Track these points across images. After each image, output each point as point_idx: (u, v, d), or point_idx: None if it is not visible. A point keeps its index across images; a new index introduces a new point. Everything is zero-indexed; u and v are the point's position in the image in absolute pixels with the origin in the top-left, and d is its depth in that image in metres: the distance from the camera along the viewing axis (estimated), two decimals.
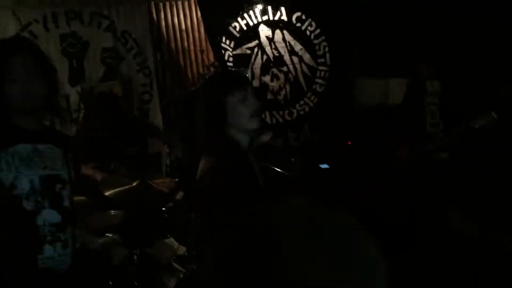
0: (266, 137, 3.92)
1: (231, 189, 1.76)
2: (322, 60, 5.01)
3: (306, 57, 5.04)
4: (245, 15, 4.90)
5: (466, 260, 2.99)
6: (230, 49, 4.98)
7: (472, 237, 3.18)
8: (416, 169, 3.59)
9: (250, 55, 5.01)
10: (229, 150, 1.91)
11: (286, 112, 5.15)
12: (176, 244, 3.00)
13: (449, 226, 3.34)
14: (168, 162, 4.28)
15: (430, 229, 3.31)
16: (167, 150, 4.36)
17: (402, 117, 3.88)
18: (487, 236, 3.15)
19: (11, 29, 3.91)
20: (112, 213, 3.24)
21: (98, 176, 3.48)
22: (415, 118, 3.71)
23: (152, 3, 4.81)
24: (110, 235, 2.83)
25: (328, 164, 4.65)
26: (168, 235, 3.12)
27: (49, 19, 4.09)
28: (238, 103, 1.89)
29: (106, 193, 2.90)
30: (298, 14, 4.90)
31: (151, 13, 4.81)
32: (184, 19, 5.09)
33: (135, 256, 2.81)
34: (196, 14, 5.14)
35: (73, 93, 4.29)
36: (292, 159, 3.99)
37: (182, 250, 2.91)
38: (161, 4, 4.88)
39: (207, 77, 4.59)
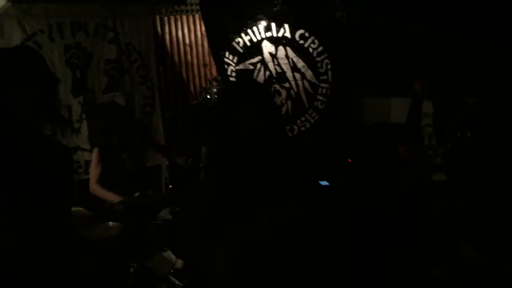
0: None
1: None
2: (324, 77, 5.02)
3: (308, 74, 5.06)
4: (249, 31, 4.93)
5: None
6: (233, 64, 5.01)
7: (476, 263, 3.14)
8: (414, 191, 3.55)
9: (252, 71, 5.03)
10: None
11: (288, 128, 5.15)
12: (173, 257, 2.98)
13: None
14: (167, 175, 4.29)
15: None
16: (167, 163, 4.36)
17: (402, 138, 3.84)
18: (491, 264, 3.11)
19: (16, 38, 3.94)
20: (111, 225, 3.23)
21: (111, 198, 3.48)
22: (413, 140, 3.65)
23: (158, 16, 4.86)
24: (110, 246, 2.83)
25: (327, 181, 4.64)
26: (166, 248, 3.10)
27: (54, 30, 4.12)
28: None
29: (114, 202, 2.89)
30: (302, 31, 4.93)
31: (155, 26, 4.86)
32: (188, 33, 5.14)
33: (132, 269, 2.80)
34: (200, 28, 5.19)
35: (75, 104, 4.30)
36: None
37: (179, 263, 2.90)
38: (166, 18, 4.93)
39: (209, 91, 4.62)
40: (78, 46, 4.28)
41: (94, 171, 3.71)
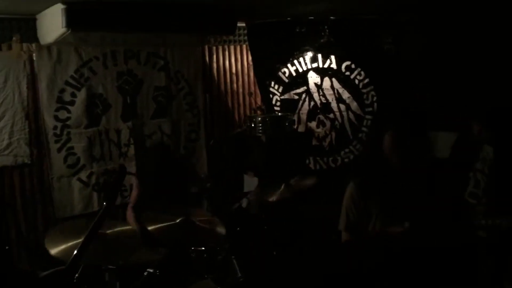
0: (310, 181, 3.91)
1: None
2: (370, 109, 4.99)
3: (354, 105, 5.04)
4: (295, 61, 4.98)
5: None
6: (278, 94, 5.05)
7: None
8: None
9: (297, 101, 5.05)
10: None
11: (331, 159, 5.11)
12: (213, 285, 2.97)
13: None
14: (209, 200, 4.31)
15: None
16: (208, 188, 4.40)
17: (444, 174, 3.63)
18: None
19: (73, 64, 4.12)
20: (154, 249, 3.26)
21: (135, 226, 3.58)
22: (455, 179, 3.44)
23: (206, 46, 4.99)
24: (150, 270, 2.85)
25: None
26: (206, 276, 3.09)
27: (108, 57, 4.29)
28: None
29: (149, 228, 2.92)
30: (348, 63, 4.94)
31: (204, 55, 4.98)
32: (235, 63, 5.23)
33: None
34: (247, 58, 5.28)
35: (124, 128, 4.42)
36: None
37: None
38: (214, 48, 5.05)
39: (253, 119, 4.65)
40: (129, 73, 4.43)
41: (134, 198, 3.87)
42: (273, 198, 3.65)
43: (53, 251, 2.55)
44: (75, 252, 1.98)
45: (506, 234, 2.86)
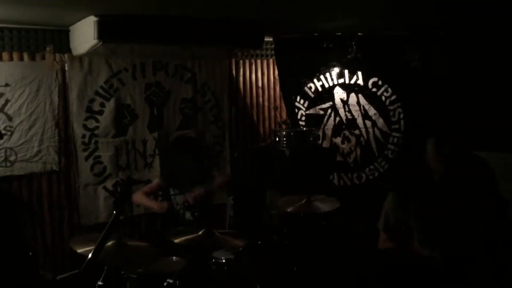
0: None
1: None
2: (396, 126, 4.93)
3: (380, 122, 4.99)
4: (322, 77, 4.98)
5: None
6: (304, 109, 5.05)
7: None
8: None
9: (323, 116, 5.04)
10: None
11: (355, 175, 5.06)
12: None
13: None
14: (232, 213, 4.32)
15: None
16: (232, 202, 4.40)
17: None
18: None
19: (103, 75, 4.21)
20: (174, 260, 3.28)
21: (153, 206, 3.66)
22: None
23: (233, 60, 5.04)
24: (170, 281, 2.86)
25: None
26: None
27: (137, 69, 4.38)
28: None
29: (175, 240, 2.95)
30: (375, 79, 4.90)
31: (230, 69, 5.03)
32: (262, 77, 5.27)
33: None
34: (273, 72, 5.31)
35: (150, 139, 4.49)
36: None
37: None
38: (241, 61, 5.10)
39: (278, 133, 4.66)
40: (157, 84, 4.51)
41: (149, 187, 3.94)
42: (292, 211, 3.62)
43: (79, 250, 2.62)
44: (89, 256, 2.04)
45: None
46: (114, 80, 4.27)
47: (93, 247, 2.47)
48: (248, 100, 5.20)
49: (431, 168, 2.82)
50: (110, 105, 4.25)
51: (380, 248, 3.18)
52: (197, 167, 3.85)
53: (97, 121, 4.22)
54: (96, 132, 4.22)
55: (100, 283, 2.60)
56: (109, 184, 4.30)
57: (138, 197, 3.89)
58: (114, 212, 2.25)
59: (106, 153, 4.26)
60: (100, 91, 4.21)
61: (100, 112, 4.23)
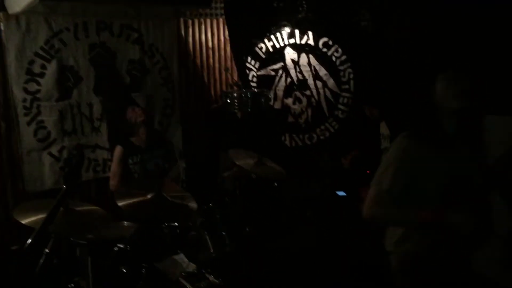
0: None
1: None
2: (346, 86, 4.99)
3: (330, 82, 5.03)
4: (272, 37, 4.93)
5: None
6: (255, 70, 5.01)
7: None
8: None
9: (274, 77, 5.02)
10: None
11: (306, 136, 5.12)
12: (186, 261, 2.96)
13: None
14: (184, 177, 4.26)
15: None
16: (184, 165, 4.35)
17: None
18: None
19: (43, 35, 3.98)
20: (125, 225, 3.23)
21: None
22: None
23: (182, 19, 4.88)
24: (121, 246, 2.82)
25: (345, 192, 4.59)
26: (179, 251, 3.08)
27: (80, 28, 4.16)
28: None
29: (120, 204, 2.89)
30: (325, 39, 4.91)
31: (179, 29, 4.88)
32: (212, 37, 5.14)
33: (144, 270, 2.78)
34: (223, 33, 5.20)
35: (96, 102, 4.33)
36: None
37: (191, 267, 2.87)
38: (190, 21, 4.95)
39: (229, 95, 4.61)
40: (102, 45, 4.31)
41: (115, 169, 3.74)
42: (244, 172, 3.63)
43: (24, 221, 2.52)
44: (38, 227, 1.97)
45: None
46: (55, 40, 4.05)
47: (38, 216, 2.40)
48: (198, 61, 5.08)
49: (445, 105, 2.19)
50: (51, 67, 4.04)
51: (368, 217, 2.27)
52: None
53: (39, 84, 4.01)
54: (38, 95, 4.02)
55: (47, 250, 2.52)
56: (54, 149, 4.14)
57: (113, 185, 3.74)
58: (64, 186, 2.17)
59: (49, 118, 4.08)
60: (40, 52, 3.99)
61: (41, 75, 4.02)
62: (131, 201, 2.93)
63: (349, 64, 4.95)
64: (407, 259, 2.29)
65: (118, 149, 3.76)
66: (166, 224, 3.25)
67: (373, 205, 2.23)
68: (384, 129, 3.22)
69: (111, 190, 3.75)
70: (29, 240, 1.95)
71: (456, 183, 2.21)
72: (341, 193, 4.57)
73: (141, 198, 2.95)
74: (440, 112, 2.25)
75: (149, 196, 2.95)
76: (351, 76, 5.03)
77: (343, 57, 4.93)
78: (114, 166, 3.76)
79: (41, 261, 2.49)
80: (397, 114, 3.95)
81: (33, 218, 2.56)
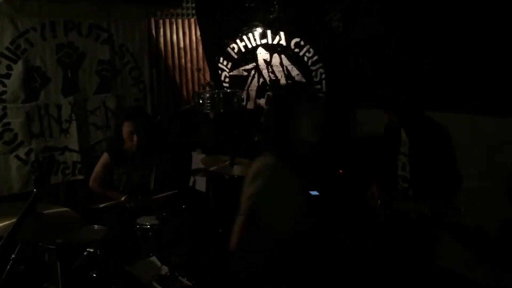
0: None
1: None
2: (318, 86, 5.01)
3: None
4: (244, 37, 4.91)
5: None
6: (227, 70, 4.98)
7: None
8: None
9: (246, 77, 5.01)
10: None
11: None
12: (158, 263, 2.92)
13: None
14: (154, 181, 4.20)
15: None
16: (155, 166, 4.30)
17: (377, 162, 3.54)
18: None
19: (8, 35, 3.88)
20: (96, 228, 3.18)
21: (112, 195, 3.45)
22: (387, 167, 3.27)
23: (152, 19, 4.83)
24: (91, 250, 2.77)
25: (317, 191, 4.60)
26: (151, 254, 3.04)
27: (47, 28, 4.07)
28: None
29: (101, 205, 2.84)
30: (297, 40, 4.91)
31: (150, 29, 4.82)
32: (183, 37, 5.10)
33: (115, 274, 2.73)
34: (195, 33, 5.16)
35: (65, 104, 4.24)
36: None
37: (164, 270, 2.84)
38: (161, 21, 4.90)
39: (202, 95, 4.57)
40: (70, 45, 4.22)
41: (97, 172, 3.68)
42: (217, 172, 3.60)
43: None
44: (6, 234, 1.91)
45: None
46: (21, 40, 3.94)
47: (6, 222, 2.33)
48: (170, 61, 5.03)
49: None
50: (18, 68, 3.94)
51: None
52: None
53: (4, 85, 3.90)
54: (3, 97, 3.91)
55: (13, 256, 2.45)
56: (21, 152, 4.03)
57: (100, 190, 3.65)
58: (35, 190, 2.11)
59: (16, 120, 3.97)
60: (6, 52, 3.88)
61: (7, 76, 3.91)
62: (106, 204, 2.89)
63: (320, 64, 4.97)
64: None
65: (104, 156, 3.73)
66: (138, 226, 3.21)
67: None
68: (404, 135, 3.15)
69: (89, 187, 3.70)
70: None
71: None
72: (314, 193, 4.58)
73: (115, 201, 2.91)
74: None
75: (123, 199, 2.91)
76: (323, 76, 5.05)
77: (315, 57, 4.95)
78: (97, 168, 3.73)
79: (8, 267, 2.41)
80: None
81: (1, 224, 2.48)
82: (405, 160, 3.04)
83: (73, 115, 4.28)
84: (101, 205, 3.26)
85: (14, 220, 2.05)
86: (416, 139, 3.00)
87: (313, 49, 4.93)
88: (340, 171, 4.81)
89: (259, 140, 3.92)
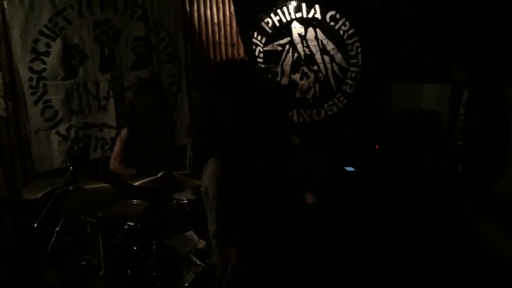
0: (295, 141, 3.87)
1: None
2: (354, 61, 4.92)
3: (338, 57, 4.96)
4: (279, 11, 4.85)
5: None
6: (261, 45, 4.94)
7: None
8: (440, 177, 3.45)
9: (281, 52, 4.95)
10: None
11: (314, 111, 5.08)
12: (196, 237, 2.98)
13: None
14: (191, 155, 4.27)
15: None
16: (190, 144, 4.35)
17: (433, 125, 3.71)
18: None
19: (46, 13, 3.94)
20: (135, 203, 3.25)
21: (127, 172, 3.50)
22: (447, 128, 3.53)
23: None
24: (131, 224, 2.84)
25: (353, 167, 4.57)
26: (189, 228, 3.10)
27: (84, 6, 4.11)
28: None
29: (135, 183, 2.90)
30: (332, 13, 4.82)
31: (184, 5, 4.81)
32: (217, 13, 5.07)
33: (154, 247, 2.80)
34: (229, 8, 5.12)
35: (103, 80, 4.30)
36: None
37: (201, 244, 2.89)
38: None
39: None
40: (106, 22, 4.26)
41: (117, 149, 3.72)
42: None
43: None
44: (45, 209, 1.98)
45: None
46: (59, 18, 4.00)
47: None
48: (204, 37, 5.02)
49: None
50: (56, 45, 4.01)
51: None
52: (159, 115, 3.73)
53: (44, 62, 3.98)
54: (43, 74, 3.99)
55: (58, 229, 2.54)
56: (62, 128, 4.13)
57: (120, 169, 3.67)
58: (71, 167, 2.16)
59: (56, 97, 4.06)
60: (45, 30, 3.95)
61: (47, 53, 3.98)
62: (143, 180, 2.94)
63: (356, 37, 4.87)
64: None
65: (123, 131, 3.74)
66: (175, 201, 3.26)
67: None
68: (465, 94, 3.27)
69: (110, 169, 3.75)
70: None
71: None
72: (349, 169, 4.55)
73: (152, 177, 2.96)
74: None
75: (159, 175, 2.95)
76: (359, 50, 4.95)
77: (351, 31, 4.85)
78: (116, 146, 3.76)
79: (53, 239, 2.50)
80: None
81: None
82: (461, 120, 3.27)
83: (110, 92, 4.34)
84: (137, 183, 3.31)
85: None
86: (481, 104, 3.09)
87: (349, 22, 4.82)
88: (376, 146, 4.74)
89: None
